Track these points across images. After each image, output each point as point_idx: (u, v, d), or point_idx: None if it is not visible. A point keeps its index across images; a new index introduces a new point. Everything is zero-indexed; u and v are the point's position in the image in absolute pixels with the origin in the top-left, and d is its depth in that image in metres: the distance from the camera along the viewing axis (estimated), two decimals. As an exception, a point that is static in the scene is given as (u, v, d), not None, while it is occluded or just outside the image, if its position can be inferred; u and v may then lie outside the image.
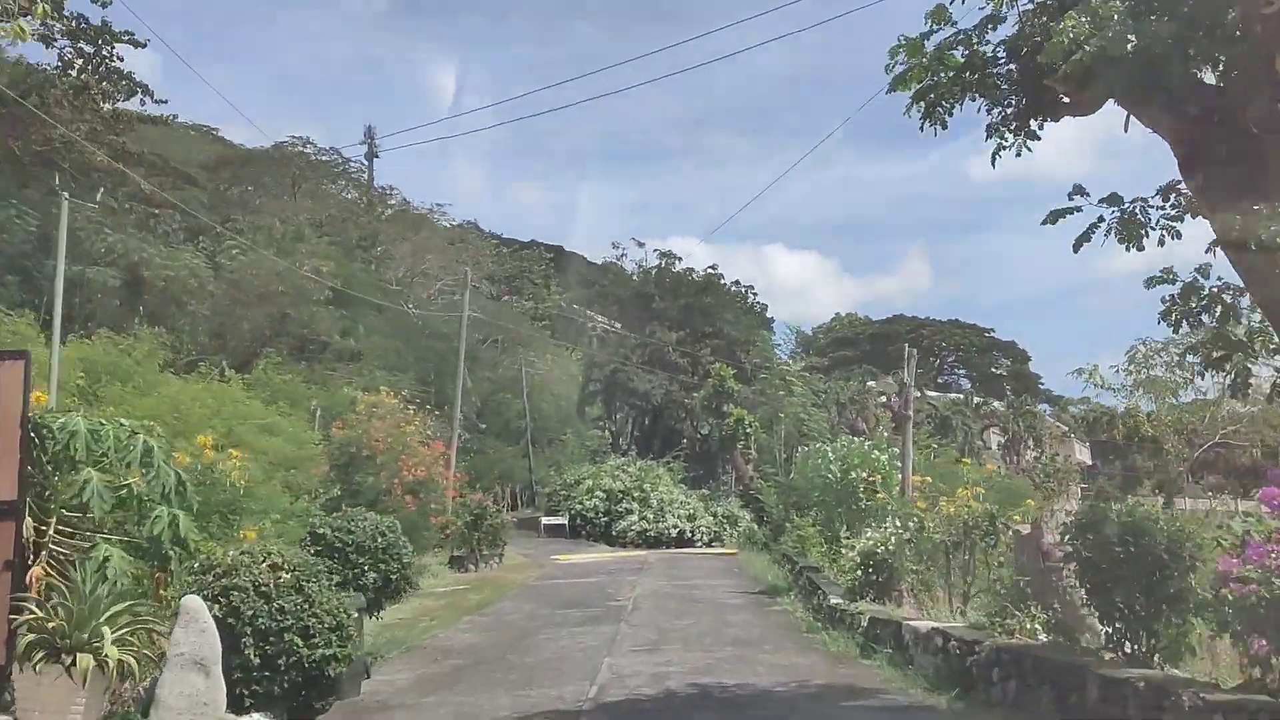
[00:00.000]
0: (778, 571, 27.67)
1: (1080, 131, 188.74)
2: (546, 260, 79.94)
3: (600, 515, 43.03)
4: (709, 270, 48.20)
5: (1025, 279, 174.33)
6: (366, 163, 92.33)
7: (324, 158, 71.04)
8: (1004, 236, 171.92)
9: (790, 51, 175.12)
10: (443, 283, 65.43)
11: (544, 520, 44.76)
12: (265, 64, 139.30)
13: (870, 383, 56.55)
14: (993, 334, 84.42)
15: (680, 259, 48.63)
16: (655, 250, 48.87)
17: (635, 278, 49.96)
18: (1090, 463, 76.05)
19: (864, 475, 21.67)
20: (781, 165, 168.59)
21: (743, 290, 48.92)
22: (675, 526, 41.88)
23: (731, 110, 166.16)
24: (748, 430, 38.35)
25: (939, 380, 79.18)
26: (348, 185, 73.50)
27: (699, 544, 42.10)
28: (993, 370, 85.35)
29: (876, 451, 21.79)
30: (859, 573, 15.39)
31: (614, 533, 42.40)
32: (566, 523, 44.06)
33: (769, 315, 50.43)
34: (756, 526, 37.78)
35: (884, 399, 56.07)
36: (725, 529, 42.96)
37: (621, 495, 43.24)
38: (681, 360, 46.80)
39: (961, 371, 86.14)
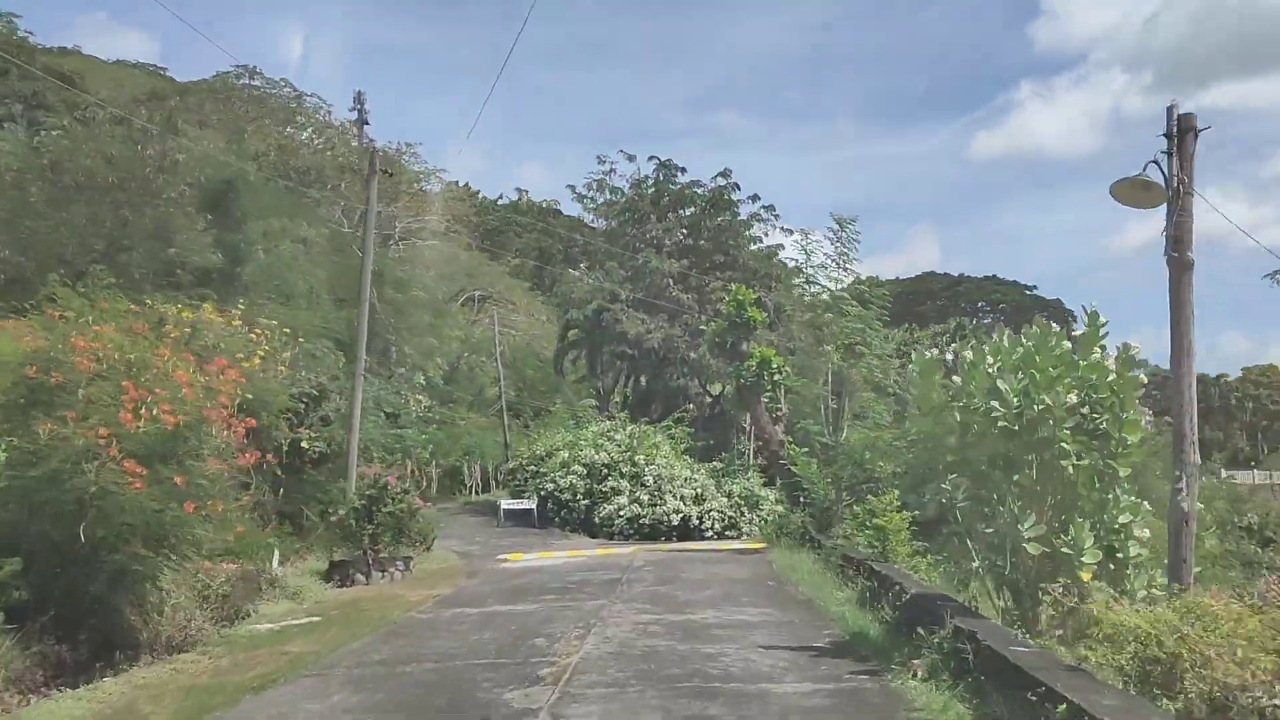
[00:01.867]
0: (845, 590, 15.30)
1: (1089, 106, 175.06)
2: (535, 210, 67.44)
3: (578, 497, 30.68)
4: (719, 177, 35.51)
5: (1034, 256, 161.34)
6: (357, 130, 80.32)
7: (273, 90, 58.84)
8: (1012, 214, 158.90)
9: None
10: (404, 224, 53.00)
11: (504, 505, 32.37)
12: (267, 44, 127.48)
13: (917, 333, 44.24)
14: (1035, 291, 71.77)
15: (684, 169, 36.01)
16: (651, 158, 36.21)
17: (625, 191, 37.24)
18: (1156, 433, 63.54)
19: (1073, 402, 9.28)
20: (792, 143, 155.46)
21: (762, 212, 36.35)
22: (677, 511, 29.53)
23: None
24: (776, 376, 25.94)
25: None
26: (306, 124, 60.59)
27: (708, 534, 29.79)
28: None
29: (1096, 352, 9.36)
30: None
31: (596, 520, 30.09)
32: (534, 507, 31.67)
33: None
34: (791, 511, 25.37)
35: (934, 350, 43.43)
36: (742, 514, 30.62)
37: (607, 471, 30.88)
38: (685, 296, 34.25)
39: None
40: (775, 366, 26.19)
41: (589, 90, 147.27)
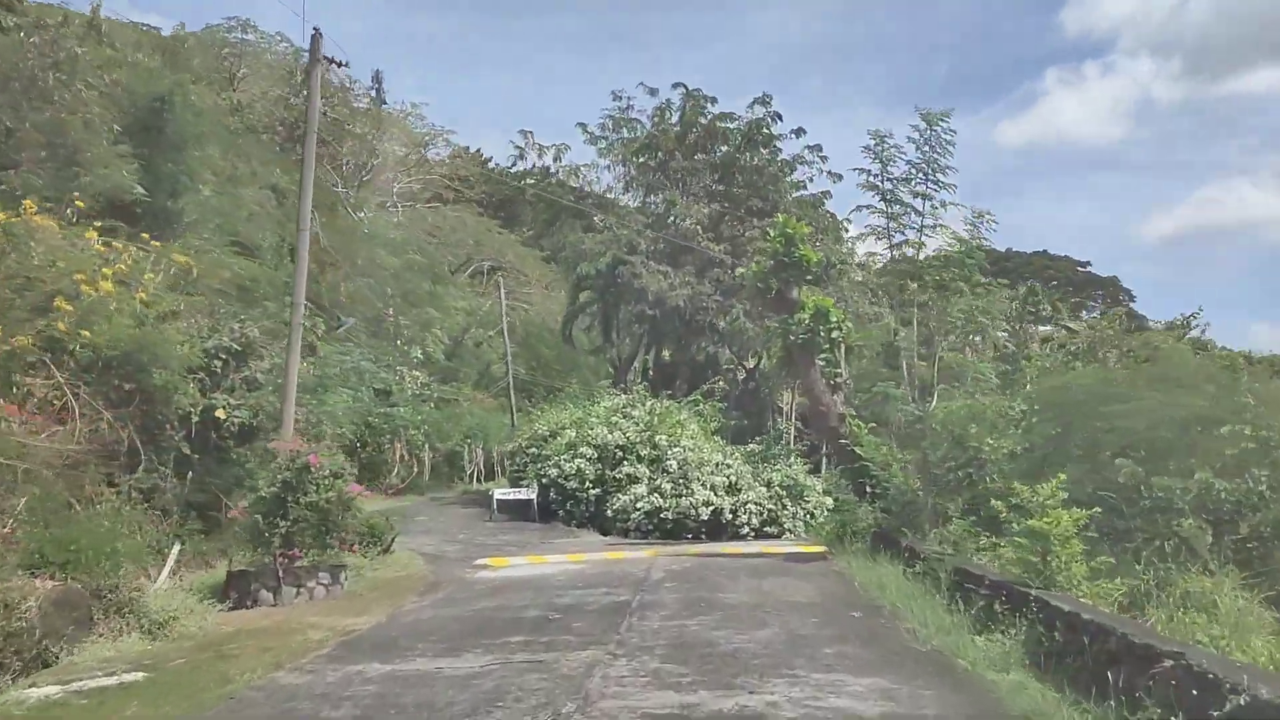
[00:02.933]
0: (990, 635, 9.04)
1: (1117, 94, 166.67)
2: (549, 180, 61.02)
3: (587, 486, 24.59)
4: (757, 105, 28.99)
5: (1062, 244, 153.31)
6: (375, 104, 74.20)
7: (266, 45, 52.81)
8: (1037, 202, 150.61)
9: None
10: (401, 185, 46.99)
11: (497, 495, 26.21)
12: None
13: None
14: (1089, 269, 64.82)
15: (714, 100, 29.58)
16: (676, 85, 29.81)
17: (646, 125, 30.80)
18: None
19: None
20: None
21: (806, 153, 29.93)
22: (707, 504, 23.47)
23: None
24: (834, 332, 19.64)
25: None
26: (304, 84, 54.17)
27: (745, 532, 23.70)
28: (1084, 310, 65.65)
29: None
30: None
31: (608, 513, 24.05)
32: (534, 497, 25.54)
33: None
34: (857, 503, 19.06)
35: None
36: (784, 507, 24.58)
37: (622, 454, 24.81)
38: (716, 247, 27.93)
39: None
40: (834, 320, 19.85)
41: (606, 78, 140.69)
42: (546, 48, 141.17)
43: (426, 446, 35.32)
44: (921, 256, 17.16)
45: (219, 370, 17.59)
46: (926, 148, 16.71)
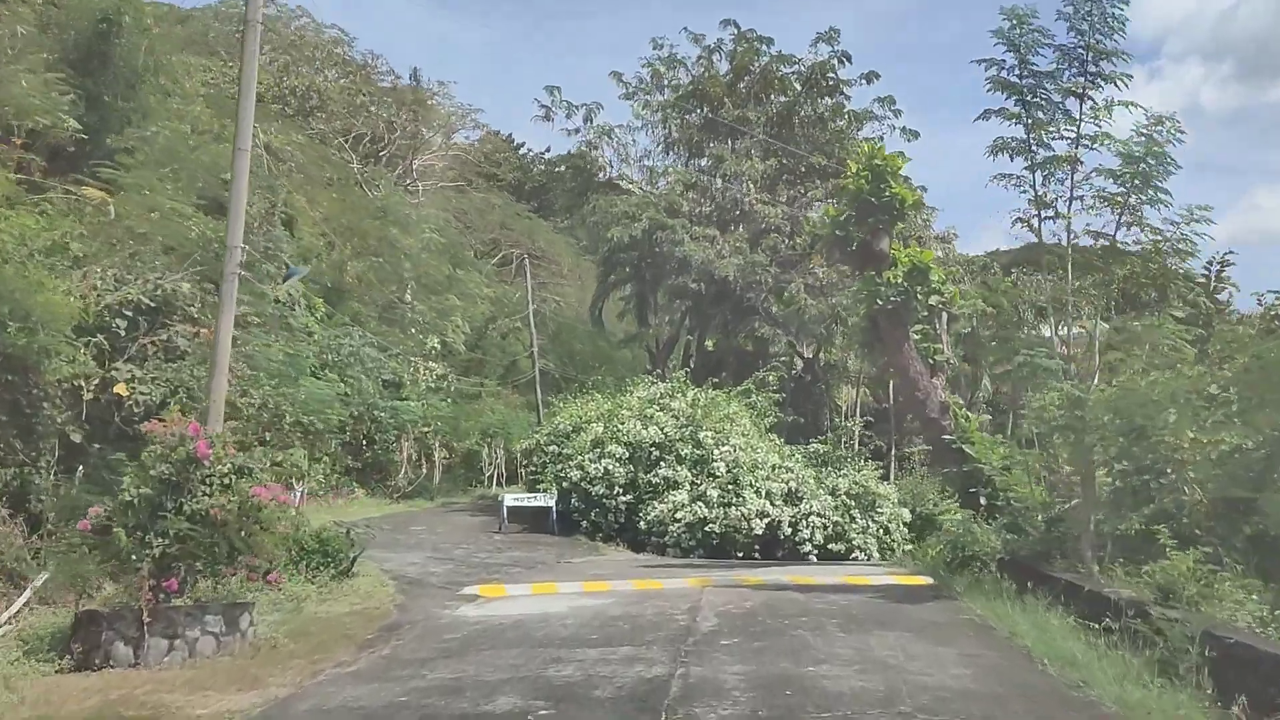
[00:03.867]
0: None
1: (1164, 99, 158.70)
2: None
3: (616, 492, 19.81)
4: (821, 43, 23.89)
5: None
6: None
7: (282, 17, 48.67)
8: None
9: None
10: (422, 161, 42.54)
11: (508, 501, 21.38)
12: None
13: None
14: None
15: (770, 41, 24.60)
16: (726, 22, 24.77)
17: (691, 67, 25.81)
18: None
19: None
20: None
21: (876, 107, 24.90)
22: (762, 515, 18.64)
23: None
24: (933, 297, 14.75)
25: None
26: (328, 63, 49.93)
27: (806, 550, 18.80)
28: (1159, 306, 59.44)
29: None
30: None
31: (641, 525, 19.28)
32: (553, 505, 20.73)
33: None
34: (973, 519, 14.01)
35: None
36: (853, 520, 19.64)
37: (658, 453, 20.01)
38: (771, 210, 22.95)
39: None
40: (935, 281, 14.91)
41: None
42: (585, 50, 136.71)
43: (438, 445, 30.71)
44: (1077, 177, 12.20)
45: (122, 332, 13.09)
46: (1084, 26, 11.73)
